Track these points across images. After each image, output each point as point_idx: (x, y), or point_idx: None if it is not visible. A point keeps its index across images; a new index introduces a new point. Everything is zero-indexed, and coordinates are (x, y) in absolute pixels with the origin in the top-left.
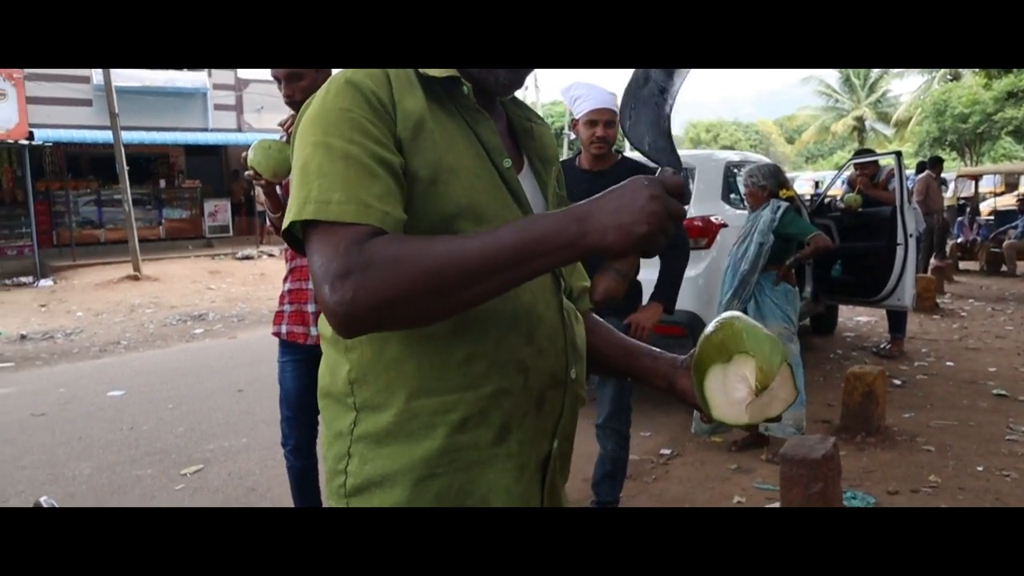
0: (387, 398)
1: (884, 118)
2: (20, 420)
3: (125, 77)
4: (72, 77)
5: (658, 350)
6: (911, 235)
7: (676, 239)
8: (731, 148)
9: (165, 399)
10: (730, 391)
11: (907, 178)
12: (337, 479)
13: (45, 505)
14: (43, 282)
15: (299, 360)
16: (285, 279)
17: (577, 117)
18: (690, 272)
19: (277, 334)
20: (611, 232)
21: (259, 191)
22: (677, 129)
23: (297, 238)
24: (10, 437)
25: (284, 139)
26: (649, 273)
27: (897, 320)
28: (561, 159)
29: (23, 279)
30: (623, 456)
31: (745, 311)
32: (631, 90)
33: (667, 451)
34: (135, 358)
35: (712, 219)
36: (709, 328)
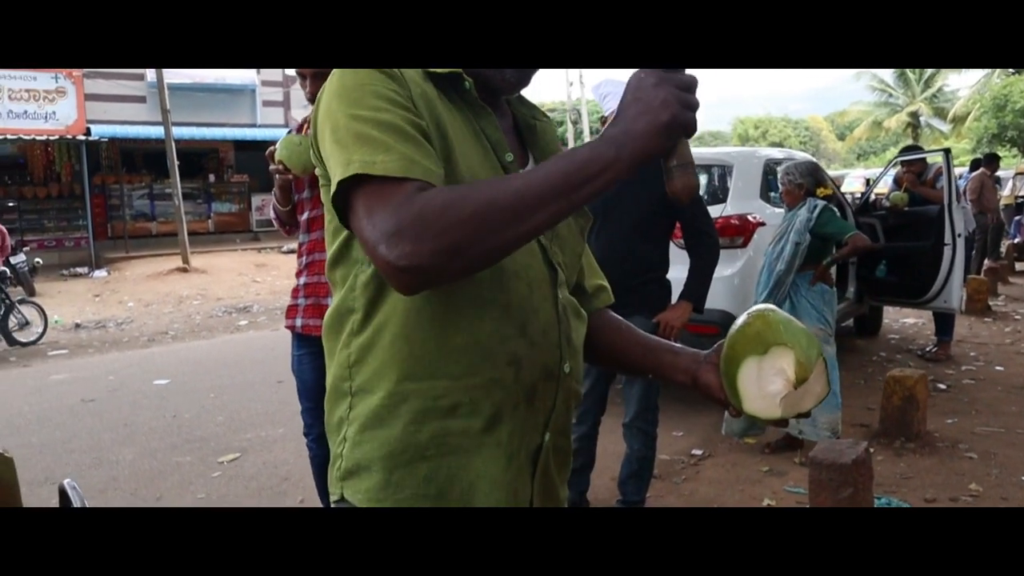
0: (378, 381)
1: (940, 114)
2: (71, 405)
3: (177, 74)
4: (127, 75)
5: (680, 345)
6: (959, 235)
7: (705, 237)
8: (779, 145)
9: (208, 388)
10: (764, 384)
11: (962, 176)
12: (336, 463)
13: (68, 488)
14: (97, 273)
15: (316, 352)
16: (299, 273)
17: (606, 115)
18: (726, 271)
19: (291, 327)
20: (641, 138)
21: (277, 186)
22: (724, 125)
23: (341, 210)
24: (61, 421)
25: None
26: (679, 272)
27: (944, 322)
28: None
29: (79, 270)
30: (650, 455)
31: None
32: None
33: (698, 452)
34: (181, 348)
35: (749, 218)
36: (741, 319)
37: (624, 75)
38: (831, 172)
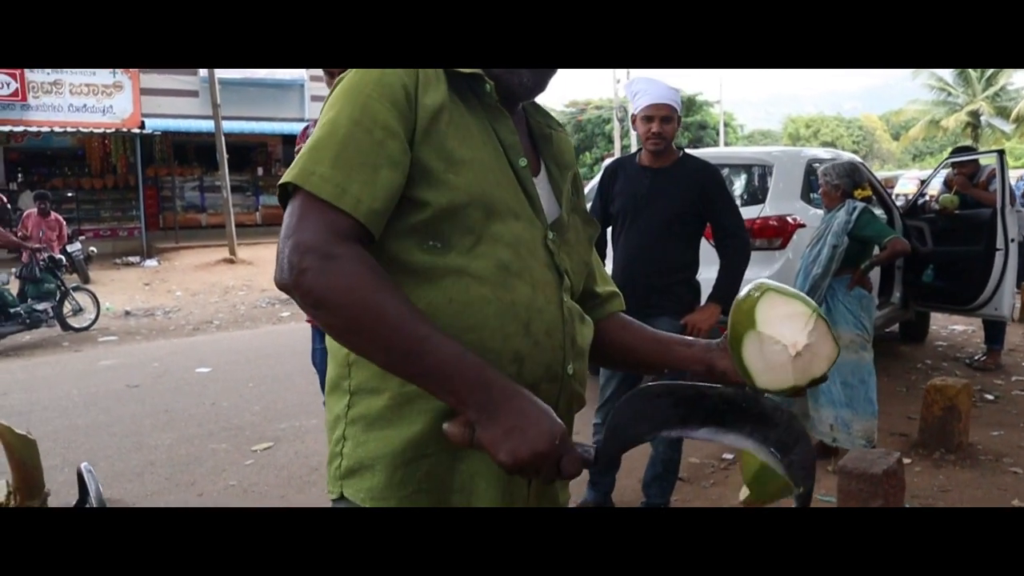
0: (382, 382)
1: (1003, 113)
2: (116, 391)
3: (228, 69)
4: (181, 70)
5: (692, 338)
6: (1012, 240)
7: (736, 238)
8: (831, 144)
9: (247, 378)
10: (768, 356)
11: (1022, 178)
12: (334, 461)
13: (84, 472)
14: (148, 262)
15: None
16: None
17: (635, 112)
18: (763, 272)
19: (311, 321)
20: (490, 434)
21: None
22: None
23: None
24: (106, 406)
25: None
26: (708, 272)
27: (994, 330)
28: (620, 156)
29: (131, 259)
30: (675, 458)
31: None
32: (672, 389)
33: (729, 456)
34: (224, 337)
35: (789, 219)
36: (739, 295)
37: (656, 73)
38: (884, 173)
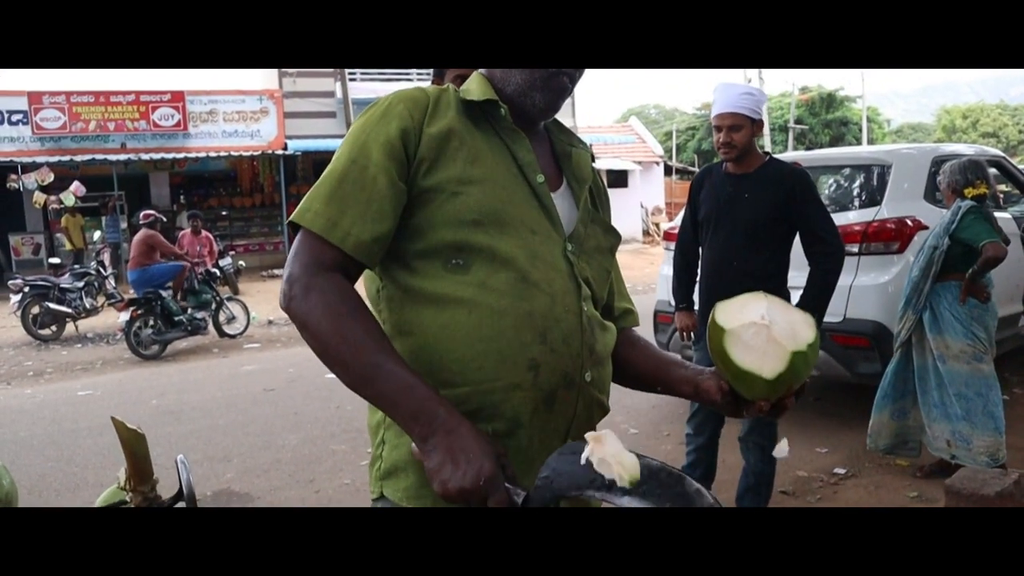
0: None
1: None
2: (254, 394)
3: (361, 90)
4: (320, 93)
5: (690, 363)
6: None
7: (826, 244)
8: (993, 135)
9: None
10: (752, 342)
11: None
12: (375, 463)
13: (179, 464)
14: None
15: None
16: None
17: (710, 118)
18: (880, 278)
19: None
20: (429, 461)
21: None
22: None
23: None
24: (244, 407)
25: None
26: (799, 279)
27: None
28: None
29: (276, 271)
30: (767, 471)
31: (920, 322)
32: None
33: (841, 470)
34: None
35: (908, 221)
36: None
37: (734, 76)
38: None
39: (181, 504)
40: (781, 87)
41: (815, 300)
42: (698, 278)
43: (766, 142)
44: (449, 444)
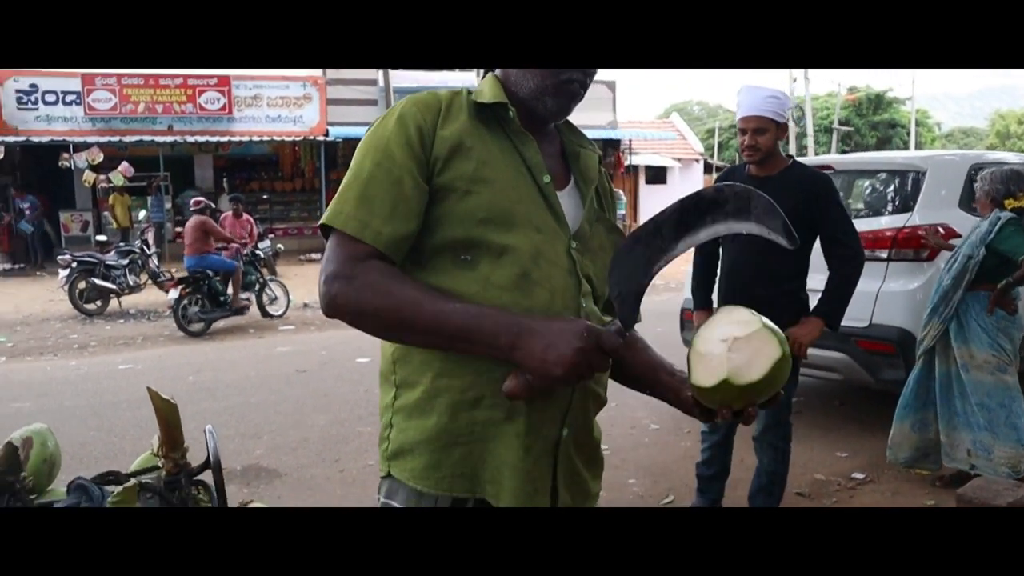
0: (419, 376)
1: None
2: (287, 374)
3: (403, 78)
4: (362, 80)
5: (680, 369)
6: None
7: (846, 247)
8: None
9: None
10: (707, 354)
11: None
12: (383, 444)
13: (207, 433)
14: None
15: None
16: None
17: (735, 120)
18: (908, 285)
19: None
20: (533, 360)
21: None
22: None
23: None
24: (277, 387)
25: None
26: (818, 281)
27: None
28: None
29: (314, 255)
30: (780, 471)
31: (946, 331)
32: (635, 235)
33: (859, 475)
34: None
35: (940, 229)
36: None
37: (758, 78)
38: None
39: (208, 472)
40: (827, 87)
41: (831, 305)
42: (717, 279)
43: (809, 143)
44: (537, 333)
